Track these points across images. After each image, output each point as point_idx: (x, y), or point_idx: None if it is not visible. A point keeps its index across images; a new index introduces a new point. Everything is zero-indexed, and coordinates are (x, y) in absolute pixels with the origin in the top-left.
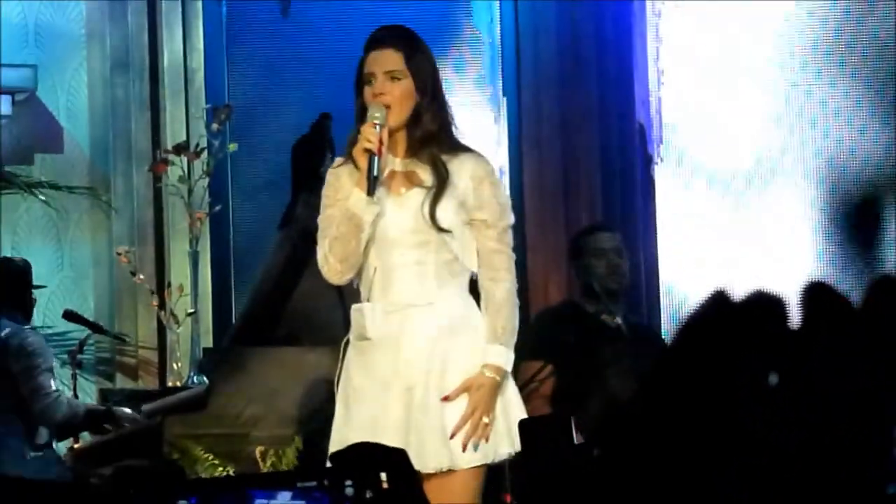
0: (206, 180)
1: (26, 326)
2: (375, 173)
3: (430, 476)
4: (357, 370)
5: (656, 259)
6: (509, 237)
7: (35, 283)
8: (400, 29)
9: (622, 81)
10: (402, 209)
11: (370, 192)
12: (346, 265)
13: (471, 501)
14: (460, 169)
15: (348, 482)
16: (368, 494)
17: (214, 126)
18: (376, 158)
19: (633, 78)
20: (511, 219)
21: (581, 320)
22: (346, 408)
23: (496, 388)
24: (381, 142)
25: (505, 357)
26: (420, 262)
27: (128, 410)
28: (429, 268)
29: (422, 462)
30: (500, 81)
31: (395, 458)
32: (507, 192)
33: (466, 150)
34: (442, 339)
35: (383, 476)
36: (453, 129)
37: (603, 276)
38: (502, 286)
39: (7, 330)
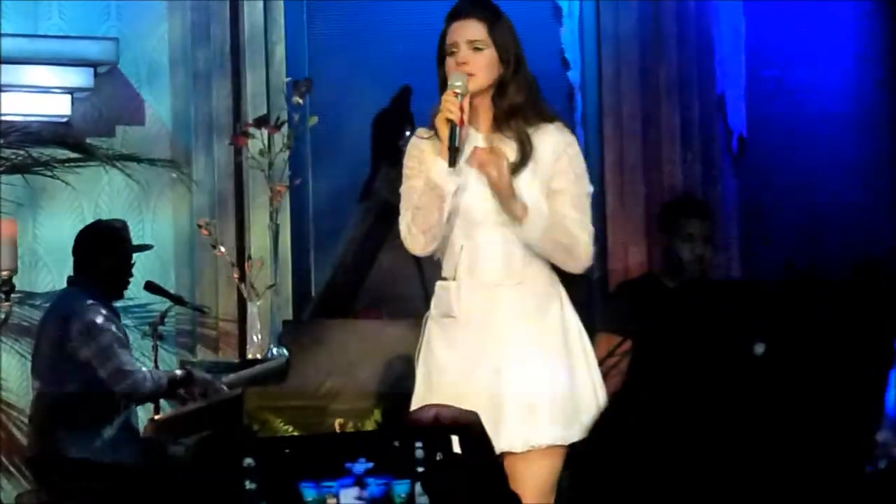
0: (287, 153)
1: (90, 302)
2: (457, 143)
3: (513, 454)
4: (441, 346)
5: (737, 231)
6: (585, 205)
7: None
8: (481, 0)
9: (703, 53)
10: (486, 186)
11: (451, 162)
12: (429, 236)
13: (551, 479)
14: (542, 142)
15: (419, 444)
16: (439, 457)
17: (295, 99)
18: (457, 128)
19: (714, 49)
20: (589, 187)
21: (660, 294)
22: (427, 382)
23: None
24: (462, 111)
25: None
26: (507, 241)
27: (207, 375)
28: (515, 246)
29: (509, 442)
30: (581, 53)
31: (468, 422)
32: (584, 162)
33: (550, 119)
34: (530, 319)
35: (455, 438)
36: (539, 99)
37: (687, 261)
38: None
39: (69, 307)
